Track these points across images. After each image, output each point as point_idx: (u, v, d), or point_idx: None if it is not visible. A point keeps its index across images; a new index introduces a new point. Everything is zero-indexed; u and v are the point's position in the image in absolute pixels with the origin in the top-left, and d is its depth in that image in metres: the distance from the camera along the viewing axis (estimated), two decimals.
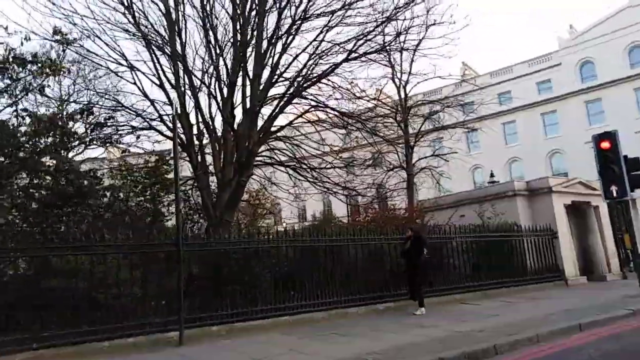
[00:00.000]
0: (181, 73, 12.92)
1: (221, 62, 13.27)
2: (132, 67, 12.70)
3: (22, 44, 9.51)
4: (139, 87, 13.12)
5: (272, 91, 13.29)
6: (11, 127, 9.54)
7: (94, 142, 12.77)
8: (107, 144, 13.51)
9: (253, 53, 13.17)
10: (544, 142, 41.24)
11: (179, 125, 11.94)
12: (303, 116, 14.16)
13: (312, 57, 12.88)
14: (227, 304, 9.12)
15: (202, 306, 8.89)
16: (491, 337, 7.44)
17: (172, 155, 11.04)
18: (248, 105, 12.84)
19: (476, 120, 27.89)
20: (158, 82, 12.82)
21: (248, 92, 12.99)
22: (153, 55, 12.80)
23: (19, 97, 9.68)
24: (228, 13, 13.43)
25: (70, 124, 12.25)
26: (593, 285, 15.63)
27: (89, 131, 12.29)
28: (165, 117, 12.77)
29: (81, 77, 16.99)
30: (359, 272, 11.33)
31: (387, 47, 13.68)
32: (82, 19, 12.12)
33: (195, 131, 13.03)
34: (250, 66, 13.13)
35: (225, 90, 13.21)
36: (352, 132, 16.33)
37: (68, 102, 15.89)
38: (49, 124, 9.81)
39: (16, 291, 7.65)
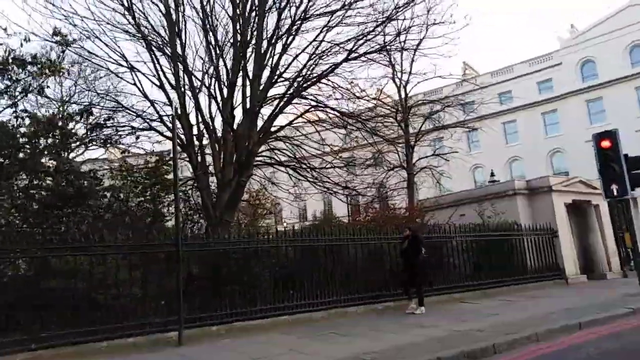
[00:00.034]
0: (181, 74, 12.95)
1: (221, 63, 13.30)
2: (132, 68, 12.76)
3: (21, 45, 9.57)
4: (139, 88, 13.20)
5: (272, 91, 13.33)
6: (11, 128, 9.57)
7: (94, 143, 12.81)
8: (108, 145, 13.54)
9: (253, 53, 13.19)
10: (545, 141, 41.23)
11: (178, 125, 11.98)
12: (303, 116, 14.17)
13: (312, 57, 12.90)
14: (226, 304, 9.12)
15: (201, 306, 8.90)
16: (490, 336, 7.43)
17: (172, 155, 11.06)
18: (248, 106, 12.86)
19: (476, 119, 27.87)
20: (158, 83, 12.86)
21: (248, 93, 13.01)
22: (153, 56, 12.85)
23: (19, 98, 9.70)
24: (228, 14, 13.47)
25: (71, 124, 12.32)
26: (593, 284, 15.61)
27: (88, 132, 12.31)
28: (165, 118, 12.82)
29: (82, 78, 17.11)
30: (359, 271, 11.33)
31: (388, 47, 13.71)
32: (82, 20, 12.19)
33: (195, 131, 13.06)
34: (250, 66, 13.17)
35: (225, 91, 13.23)
36: (352, 132, 16.34)
37: (69, 103, 15.95)
38: (48, 124, 9.84)
39: (16, 292, 7.67)
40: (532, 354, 6.68)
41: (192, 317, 8.53)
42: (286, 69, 13.10)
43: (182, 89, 13.01)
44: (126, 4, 12.44)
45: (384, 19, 12.86)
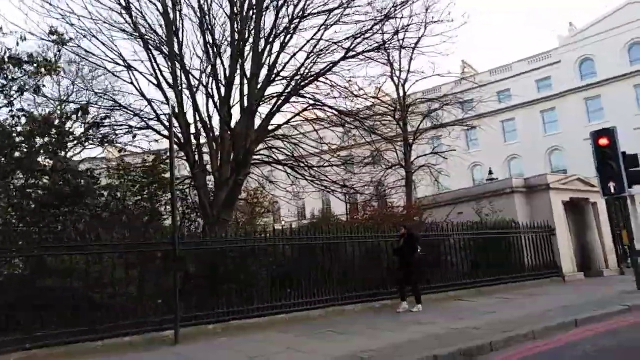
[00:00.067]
0: (178, 72, 12.90)
1: (218, 61, 13.26)
2: (129, 67, 12.69)
3: (17, 44, 9.54)
4: (136, 87, 13.16)
5: (270, 90, 13.31)
6: (7, 127, 9.54)
7: (91, 142, 12.79)
8: (105, 144, 13.51)
9: (250, 52, 13.15)
10: (543, 139, 41.26)
11: (175, 124, 11.96)
12: (301, 114, 14.14)
13: (310, 55, 12.86)
14: (223, 302, 9.12)
15: (198, 304, 8.89)
16: (487, 333, 7.44)
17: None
18: (245, 104, 12.83)
19: (475, 117, 27.87)
20: (155, 82, 12.80)
21: (245, 91, 12.97)
22: (150, 55, 12.79)
23: (15, 97, 9.68)
24: (225, 12, 13.42)
25: (69, 124, 12.29)
26: (590, 281, 15.64)
27: (86, 131, 12.29)
28: (162, 117, 12.76)
29: (80, 77, 17.08)
30: (356, 269, 11.33)
31: (386, 45, 13.66)
32: (79, 19, 12.13)
33: (192, 130, 13.03)
34: (247, 65, 13.12)
35: (222, 89, 13.18)
36: (350, 130, 16.34)
37: (67, 102, 15.91)
38: (44, 123, 9.82)
39: (11, 291, 7.65)
40: (529, 352, 6.69)
41: (189, 315, 8.53)
42: (284, 67, 13.09)
43: (180, 88, 12.97)
44: (123, 3, 12.39)
45: (382, 17, 12.84)
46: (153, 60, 12.75)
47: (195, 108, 13.03)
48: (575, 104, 39.67)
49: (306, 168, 14.27)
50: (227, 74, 13.09)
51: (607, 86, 38.24)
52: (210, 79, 13.33)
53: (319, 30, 12.77)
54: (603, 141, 12.28)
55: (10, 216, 9.66)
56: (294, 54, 12.95)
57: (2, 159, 9.36)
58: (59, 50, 10.50)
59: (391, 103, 20.68)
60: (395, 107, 20.39)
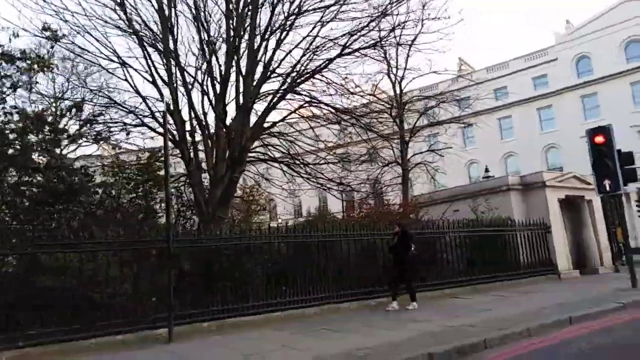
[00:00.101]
0: (174, 70, 12.83)
1: (214, 59, 13.21)
2: (124, 64, 12.64)
3: (10, 40, 9.47)
4: (130, 84, 13.09)
5: (266, 87, 13.32)
6: (0, 124, 9.47)
7: (86, 139, 12.72)
8: (100, 141, 13.45)
9: (246, 49, 13.10)
10: (540, 136, 41.36)
11: (170, 121, 11.89)
12: (297, 112, 14.11)
13: (306, 52, 12.84)
14: (218, 300, 9.09)
15: (193, 302, 8.85)
16: (482, 331, 7.43)
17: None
18: (241, 102, 12.79)
19: (472, 115, 27.88)
20: (150, 79, 12.75)
21: (241, 88, 12.94)
22: (145, 52, 12.73)
23: (7, 93, 9.61)
24: (221, 9, 13.37)
25: (63, 121, 12.21)
26: (585, 279, 15.66)
27: (80, 128, 12.22)
28: (157, 114, 12.73)
29: (75, 74, 16.94)
30: (352, 267, 11.31)
31: (382, 42, 13.65)
32: (73, 15, 12.04)
33: (187, 127, 12.97)
34: (243, 62, 13.08)
35: (218, 87, 13.15)
36: (346, 127, 16.30)
37: (62, 100, 15.81)
38: (37, 120, 9.75)
39: (4, 289, 7.59)
40: (524, 349, 6.68)
41: (183, 313, 8.50)
42: (279, 64, 13.06)
43: (175, 85, 12.90)
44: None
45: (378, 14, 12.82)
46: (148, 58, 12.72)
47: (191, 105, 12.98)
48: (571, 102, 39.76)
49: (302, 166, 14.25)
50: (223, 71, 13.05)
51: (603, 84, 38.33)
52: (206, 76, 13.30)
53: (315, 27, 12.76)
54: (599, 139, 12.29)
55: (4, 214, 9.61)
56: (290, 51, 12.95)
57: None
58: (52, 47, 10.44)
59: (388, 100, 20.60)
60: (391, 105, 20.34)
